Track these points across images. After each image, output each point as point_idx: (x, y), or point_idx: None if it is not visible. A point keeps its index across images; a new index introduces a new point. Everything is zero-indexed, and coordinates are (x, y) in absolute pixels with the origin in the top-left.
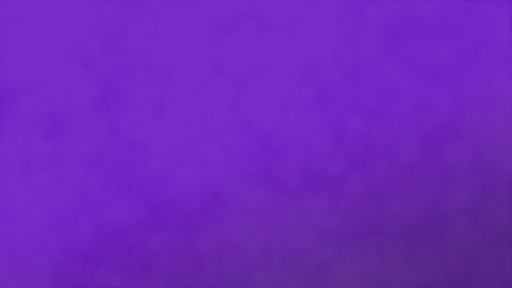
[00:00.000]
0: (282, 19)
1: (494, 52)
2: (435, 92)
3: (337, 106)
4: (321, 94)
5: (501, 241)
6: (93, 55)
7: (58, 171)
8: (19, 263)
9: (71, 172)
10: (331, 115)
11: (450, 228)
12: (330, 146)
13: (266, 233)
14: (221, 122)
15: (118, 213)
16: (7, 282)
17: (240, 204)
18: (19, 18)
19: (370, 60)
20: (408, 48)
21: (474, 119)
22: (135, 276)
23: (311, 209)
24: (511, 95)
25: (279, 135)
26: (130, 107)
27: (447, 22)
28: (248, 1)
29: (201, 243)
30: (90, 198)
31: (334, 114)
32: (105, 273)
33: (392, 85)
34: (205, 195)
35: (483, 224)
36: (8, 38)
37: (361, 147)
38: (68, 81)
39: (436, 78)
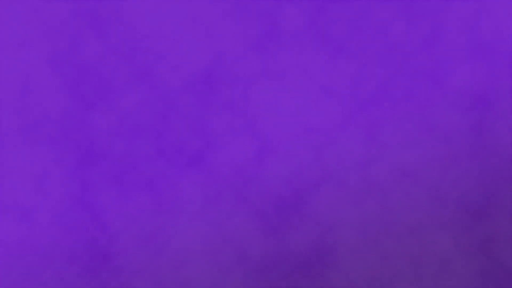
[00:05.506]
0: (293, 25)
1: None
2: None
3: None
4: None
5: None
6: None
7: (58, 171)
8: (19, 263)
9: (72, 173)
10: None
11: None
12: (330, 147)
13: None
14: (219, 121)
15: (119, 212)
16: (8, 282)
17: (239, 204)
18: (19, 18)
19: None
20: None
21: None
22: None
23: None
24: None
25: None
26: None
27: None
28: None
29: (201, 243)
30: (89, 198)
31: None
32: (105, 273)
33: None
34: (205, 195)
35: (485, 223)
36: (7, 39)
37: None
38: (67, 81)
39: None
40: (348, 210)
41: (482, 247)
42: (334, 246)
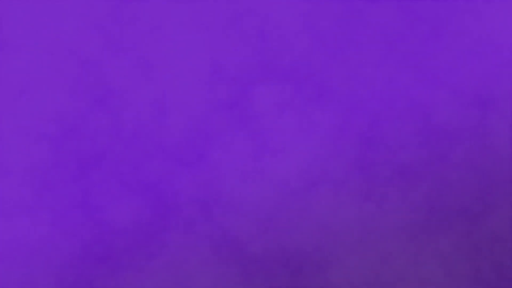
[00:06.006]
0: (283, 20)
1: (495, 52)
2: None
3: (337, 106)
4: (321, 94)
5: (503, 239)
6: (92, 55)
7: (58, 171)
8: (20, 263)
9: (72, 172)
10: (331, 115)
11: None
12: (330, 147)
13: (266, 232)
14: (219, 121)
15: (120, 213)
16: (8, 283)
17: (239, 204)
18: (19, 18)
19: (370, 60)
20: (408, 47)
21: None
22: (135, 276)
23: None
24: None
25: (278, 135)
26: (130, 106)
27: (447, 22)
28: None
29: (201, 243)
30: (91, 198)
31: (334, 114)
32: (105, 273)
33: (392, 85)
34: (205, 195)
35: (485, 223)
36: (7, 39)
37: (363, 148)
38: (67, 81)
39: (437, 78)
40: (348, 210)
41: (482, 248)
42: (334, 246)
